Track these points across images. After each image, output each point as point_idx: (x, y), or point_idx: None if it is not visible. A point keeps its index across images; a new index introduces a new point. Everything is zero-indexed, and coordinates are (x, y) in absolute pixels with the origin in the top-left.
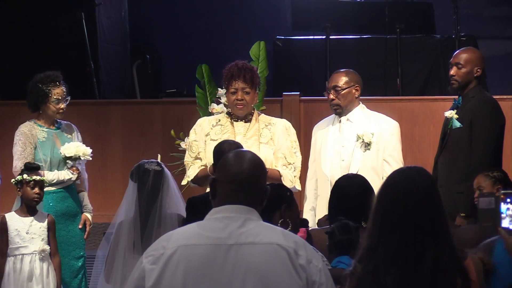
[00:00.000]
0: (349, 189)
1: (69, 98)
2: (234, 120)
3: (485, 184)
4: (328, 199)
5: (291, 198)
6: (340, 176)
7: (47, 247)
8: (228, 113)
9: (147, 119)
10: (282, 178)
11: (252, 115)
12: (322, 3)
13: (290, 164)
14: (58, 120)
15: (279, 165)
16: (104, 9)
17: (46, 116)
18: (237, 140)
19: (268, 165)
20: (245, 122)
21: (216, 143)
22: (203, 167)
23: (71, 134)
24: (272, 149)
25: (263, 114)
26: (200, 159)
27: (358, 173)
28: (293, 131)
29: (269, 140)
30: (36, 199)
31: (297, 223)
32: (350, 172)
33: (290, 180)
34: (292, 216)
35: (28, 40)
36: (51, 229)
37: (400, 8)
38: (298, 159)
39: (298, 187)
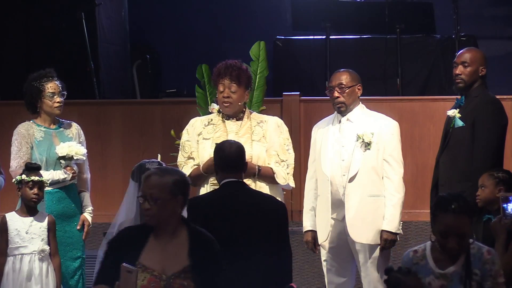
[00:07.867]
0: None
1: (65, 93)
2: (225, 119)
3: (488, 183)
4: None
5: None
6: (340, 176)
7: (47, 247)
8: (219, 112)
9: (147, 119)
10: (275, 175)
11: (244, 113)
12: (322, 3)
13: (283, 161)
14: (60, 119)
15: (272, 162)
16: (104, 9)
17: (44, 114)
18: (229, 138)
19: (261, 162)
20: (237, 120)
21: (208, 142)
22: (195, 166)
23: (72, 133)
24: (265, 147)
25: (255, 112)
26: (193, 158)
27: (358, 173)
28: (285, 129)
29: (261, 137)
30: (34, 199)
31: None
32: (350, 172)
33: (283, 177)
34: None
35: (28, 40)
36: (51, 229)
37: (400, 8)
38: (291, 156)
39: (292, 184)
